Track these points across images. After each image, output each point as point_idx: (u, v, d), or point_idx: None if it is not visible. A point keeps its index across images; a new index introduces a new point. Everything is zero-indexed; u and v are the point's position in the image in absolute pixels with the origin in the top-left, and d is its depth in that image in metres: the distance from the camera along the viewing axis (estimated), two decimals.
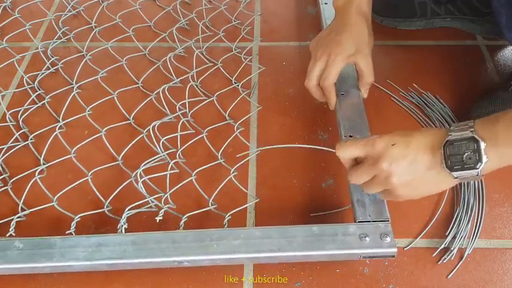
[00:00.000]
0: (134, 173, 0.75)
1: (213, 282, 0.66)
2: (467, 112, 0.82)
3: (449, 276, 0.66)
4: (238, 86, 0.90)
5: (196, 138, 0.81)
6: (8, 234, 0.70)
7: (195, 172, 0.76)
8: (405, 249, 0.69)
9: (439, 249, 0.68)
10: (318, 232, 0.64)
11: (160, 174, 0.75)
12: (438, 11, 0.97)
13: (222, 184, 0.74)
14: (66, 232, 0.69)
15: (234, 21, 1.04)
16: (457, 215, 0.71)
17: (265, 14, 1.07)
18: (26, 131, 0.84)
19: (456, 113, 0.84)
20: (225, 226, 0.69)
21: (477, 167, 0.52)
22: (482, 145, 0.52)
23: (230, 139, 0.81)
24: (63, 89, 0.91)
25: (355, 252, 0.63)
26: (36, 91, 0.90)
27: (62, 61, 0.96)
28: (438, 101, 0.86)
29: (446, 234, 0.69)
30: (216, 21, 1.04)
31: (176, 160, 0.78)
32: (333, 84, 0.75)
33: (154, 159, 0.77)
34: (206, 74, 0.92)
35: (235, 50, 0.97)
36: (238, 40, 1.00)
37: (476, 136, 0.52)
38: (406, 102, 0.87)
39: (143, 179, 0.74)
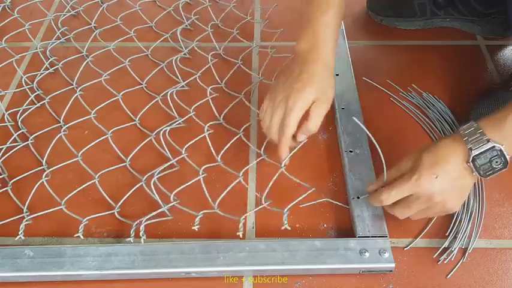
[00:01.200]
0: (144, 177, 0.75)
1: (213, 282, 0.66)
2: (467, 112, 0.82)
3: (449, 276, 0.66)
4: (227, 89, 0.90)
5: (196, 138, 0.81)
6: (17, 238, 0.70)
7: (196, 178, 0.75)
8: (405, 249, 0.69)
9: (440, 249, 0.68)
10: (320, 246, 0.66)
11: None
12: (438, 13, 0.97)
13: (228, 189, 0.74)
14: (75, 235, 0.70)
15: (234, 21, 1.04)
16: (457, 215, 0.71)
17: (265, 13, 1.07)
18: (25, 132, 0.85)
19: (456, 113, 0.84)
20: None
21: (507, 166, 0.59)
22: (504, 149, 0.58)
23: (231, 142, 0.80)
24: (62, 90, 0.91)
25: (355, 267, 0.65)
26: (35, 91, 0.90)
27: (62, 62, 0.96)
28: (438, 101, 0.86)
29: (447, 234, 0.70)
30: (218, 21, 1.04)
31: (182, 157, 0.77)
32: (291, 135, 0.69)
33: (165, 166, 0.77)
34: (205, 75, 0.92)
35: (231, 49, 0.97)
36: (237, 40, 0.99)
37: (495, 144, 0.58)
38: (406, 102, 0.87)
39: (152, 181, 0.74)
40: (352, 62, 0.91)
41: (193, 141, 0.80)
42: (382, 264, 0.65)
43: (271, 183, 0.72)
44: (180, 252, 0.65)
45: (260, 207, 0.71)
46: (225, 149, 0.79)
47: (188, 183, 0.74)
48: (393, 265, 0.65)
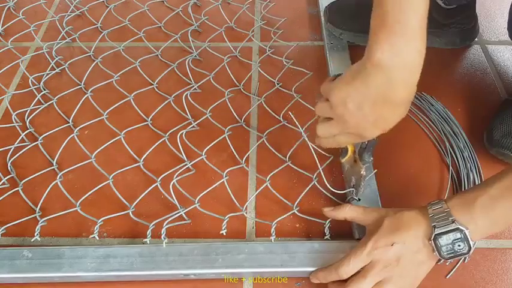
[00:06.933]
0: (160, 178, 0.76)
1: (213, 283, 0.66)
2: (480, 122, 0.80)
3: (449, 276, 0.66)
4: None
5: (216, 140, 0.81)
6: (33, 239, 0.70)
7: (220, 181, 0.75)
8: None
9: None
10: (319, 248, 0.65)
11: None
12: None
13: (257, 192, 0.75)
14: (90, 236, 0.70)
15: (233, 23, 1.04)
16: None
17: (265, 13, 1.07)
18: (32, 131, 0.85)
19: (456, 114, 0.84)
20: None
21: (470, 252, 0.56)
22: (468, 233, 0.56)
23: (255, 146, 0.81)
24: (70, 90, 0.91)
25: None
26: (39, 92, 0.90)
27: (68, 62, 0.96)
28: (437, 102, 0.86)
29: None
30: (219, 22, 1.04)
31: (200, 159, 0.78)
32: None
33: (183, 169, 0.77)
34: (211, 75, 0.93)
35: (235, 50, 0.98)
36: (237, 40, 1.00)
37: (460, 226, 0.56)
38: None
39: (171, 183, 0.73)
40: (353, 62, 0.91)
41: (214, 143, 0.80)
42: None
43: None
44: (179, 254, 0.65)
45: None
46: (249, 153, 0.79)
47: (212, 187, 0.74)
48: None
